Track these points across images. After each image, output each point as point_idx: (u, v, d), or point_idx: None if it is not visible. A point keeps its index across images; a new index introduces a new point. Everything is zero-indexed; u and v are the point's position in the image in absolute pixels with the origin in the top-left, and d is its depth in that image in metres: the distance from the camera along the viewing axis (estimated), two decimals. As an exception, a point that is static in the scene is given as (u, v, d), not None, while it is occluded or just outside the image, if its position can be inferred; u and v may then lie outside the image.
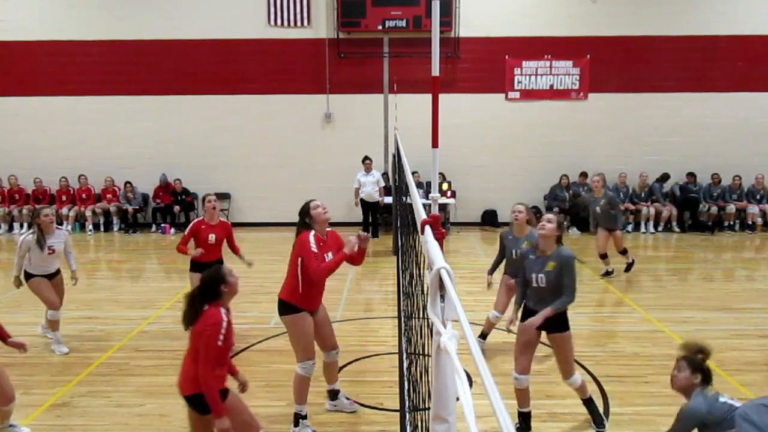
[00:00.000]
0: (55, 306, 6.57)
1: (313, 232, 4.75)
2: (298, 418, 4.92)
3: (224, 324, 3.79)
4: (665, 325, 7.41)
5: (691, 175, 14.09)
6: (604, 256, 9.63)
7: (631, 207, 13.90)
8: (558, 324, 4.69)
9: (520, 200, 6.42)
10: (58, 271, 6.71)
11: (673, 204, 14.12)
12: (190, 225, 6.66)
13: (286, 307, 4.83)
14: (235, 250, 6.79)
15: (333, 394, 5.32)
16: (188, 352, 3.89)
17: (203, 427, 3.86)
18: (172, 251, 7.75)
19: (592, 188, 9.58)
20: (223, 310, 3.87)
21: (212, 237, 6.50)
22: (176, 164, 14.41)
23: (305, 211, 4.85)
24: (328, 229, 4.97)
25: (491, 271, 6.54)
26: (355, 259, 4.91)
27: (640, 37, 14.04)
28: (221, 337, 3.76)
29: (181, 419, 4.81)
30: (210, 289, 3.90)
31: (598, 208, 9.42)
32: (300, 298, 4.80)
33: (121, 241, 13.45)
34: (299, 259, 4.72)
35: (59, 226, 6.79)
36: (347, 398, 5.36)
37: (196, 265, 6.37)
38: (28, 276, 6.50)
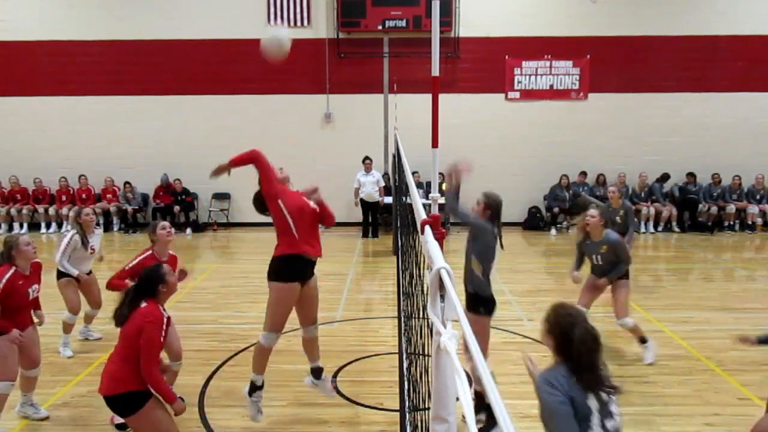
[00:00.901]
0: (76, 311, 6.62)
1: None
2: (254, 388, 4.84)
3: (164, 320, 3.81)
4: (665, 325, 7.41)
5: (691, 175, 14.09)
6: None
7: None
8: (472, 303, 4.82)
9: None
10: (90, 271, 6.79)
11: (672, 204, 14.12)
12: (138, 259, 5.38)
13: (279, 265, 4.68)
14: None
15: (316, 373, 5.15)
16: (116, 352, 3.85)
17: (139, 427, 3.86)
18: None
19: (611, 200, 9.68)
20: (161, 308, 3.89)
21: None
22: (176, 164, 14.40)
23: None
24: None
25: (577, 268, 6.43)
26: (324, 219, 4.96)
27: (640, 37, 14.04)
28: (162, 333, 3.79)
29: (181, 419, 4.81)
30: (147, 288, 3.90)
31: (618, 218, 9.56)
32: (298, 244, 4.67)
33: (121, 241, 13.44)
34: (276, 203, 4.82)
35: (97, 226, 6.83)
36: (333, 381, 5.25)
37: None
38: (60, 275, 6.52)
